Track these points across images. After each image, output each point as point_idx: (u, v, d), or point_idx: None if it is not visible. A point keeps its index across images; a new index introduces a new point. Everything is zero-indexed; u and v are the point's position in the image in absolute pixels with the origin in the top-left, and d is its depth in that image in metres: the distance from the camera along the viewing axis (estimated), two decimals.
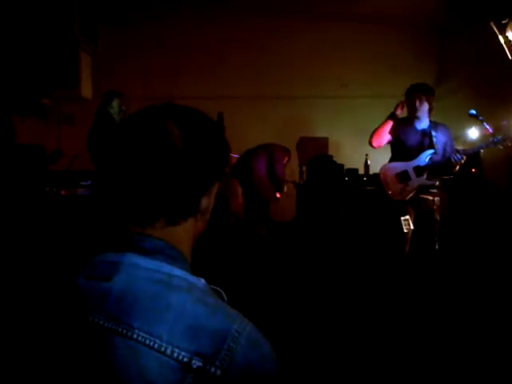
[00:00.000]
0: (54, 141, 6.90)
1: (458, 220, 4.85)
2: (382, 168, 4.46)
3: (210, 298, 0.85)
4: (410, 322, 3.49)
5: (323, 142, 6.89)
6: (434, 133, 4.19)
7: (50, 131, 7.21)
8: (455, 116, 5.31)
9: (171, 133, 0.89)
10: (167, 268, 0.86)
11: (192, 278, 0.87)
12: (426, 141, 4.23)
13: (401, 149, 4.34)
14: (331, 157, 6.16)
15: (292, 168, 6.28)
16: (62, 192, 4.67)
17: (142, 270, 0.85)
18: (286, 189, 5.83)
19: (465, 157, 3.93)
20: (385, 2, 6.41)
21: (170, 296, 0.82)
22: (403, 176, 4.27)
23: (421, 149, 4.23)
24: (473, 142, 5.26)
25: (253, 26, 7.31)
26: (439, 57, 7.44)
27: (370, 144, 4.46)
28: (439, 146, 4.18)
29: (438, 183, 4.26)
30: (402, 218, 4.26)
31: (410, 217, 4.25)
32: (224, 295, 0.95)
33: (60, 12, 6.24)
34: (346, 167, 6.15)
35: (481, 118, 4.14)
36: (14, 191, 3.99)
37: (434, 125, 4.26)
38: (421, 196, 4.25)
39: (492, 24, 4.77)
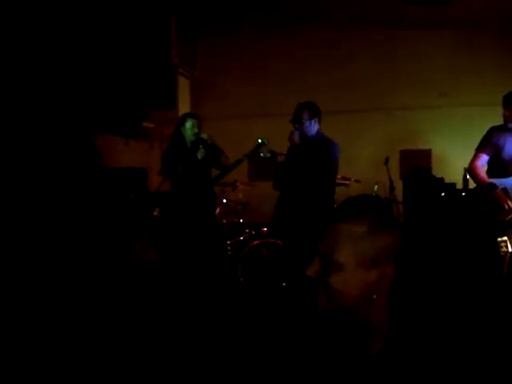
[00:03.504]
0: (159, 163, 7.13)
1: None
2: None
3: None
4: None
5: (425, 154, 6.36)
6: None
7: (154, 154, 7.47)
8: None
9: None
10: None
11: None
12: None
13: (498, 161, 3.92)
14: (429, 170, 5.64)
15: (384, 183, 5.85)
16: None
17: None
18: None
19: None
20: (483, 5, 5.92)
21: None
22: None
23: None
24: None
25: (344, 38, 6.97)
26: None
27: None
28: None
29: None
30: (499, 240, 3.80)
31: (509, 238, 3.79)
32: None
33: (157, 37, 6.49)
34: (449, 181, 5.59)
35: None
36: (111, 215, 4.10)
37: None
38: None
39: None
